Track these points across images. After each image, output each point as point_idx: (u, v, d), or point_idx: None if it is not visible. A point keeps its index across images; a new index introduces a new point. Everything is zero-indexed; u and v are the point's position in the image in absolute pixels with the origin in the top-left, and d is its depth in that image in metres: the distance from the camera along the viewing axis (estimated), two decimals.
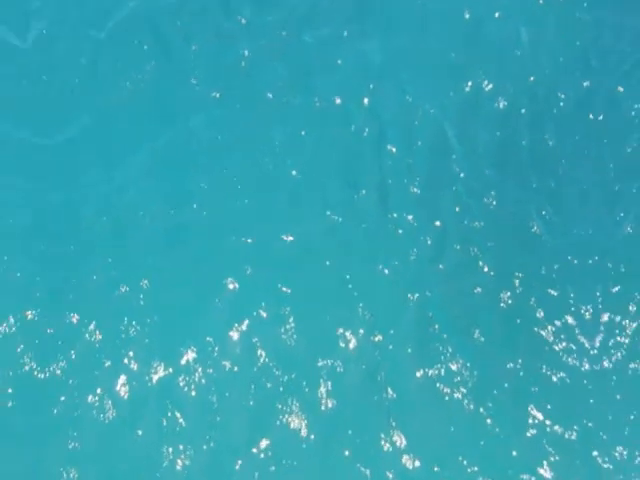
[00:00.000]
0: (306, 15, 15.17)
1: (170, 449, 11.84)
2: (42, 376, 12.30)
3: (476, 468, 11.72)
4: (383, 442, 11.91)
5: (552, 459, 11.88)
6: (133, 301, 13.00)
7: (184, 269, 13.35)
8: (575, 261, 13.64)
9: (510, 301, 13.25)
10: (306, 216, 13.81)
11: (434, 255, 13.62)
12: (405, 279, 13.34)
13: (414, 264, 13.47)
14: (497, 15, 15.47)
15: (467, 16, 15.39)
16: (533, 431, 12.17)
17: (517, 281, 13.42)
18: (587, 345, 12.90)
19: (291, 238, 13.56)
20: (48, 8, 15.29)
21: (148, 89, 14.68)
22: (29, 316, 12.73)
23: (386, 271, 13.34)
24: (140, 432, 12.03)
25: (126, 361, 12.55)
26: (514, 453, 11.91)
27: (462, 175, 14.28)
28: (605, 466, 11.84)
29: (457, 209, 13.99)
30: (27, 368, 12.35)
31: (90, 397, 12.20)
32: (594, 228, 13.98)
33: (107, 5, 15.22)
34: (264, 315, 12.83)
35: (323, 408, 12.12)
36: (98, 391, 12.27)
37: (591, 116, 14.91)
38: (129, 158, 14.19)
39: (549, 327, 13.07)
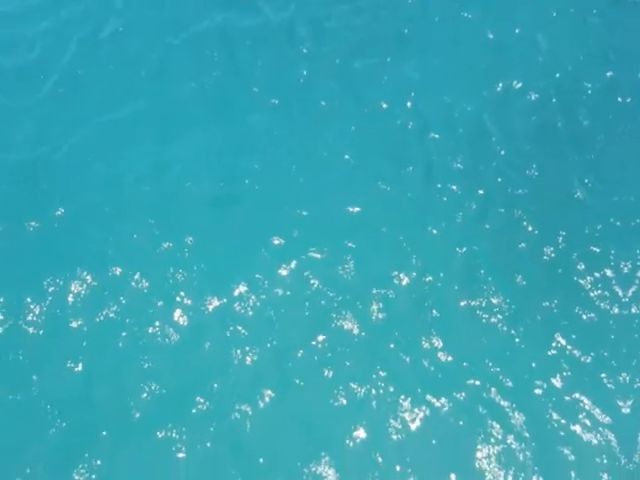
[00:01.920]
0: (355, 46, 17.15)
1: (238, 351, 12.97)
2: (98, 320, 13.32)
3: (498, 369, 13.01)
4: (423, 342, 13.18)
5: (565, 374, 13.07)
6: (178, 254, 14.07)
7: (231, 230, 14.47)
8: (617, 223, 14.77)
9: (553, 255, 14.37)
10: (359, 189, 15.07)
11: (479, 217, 14.85)
12: (453, 237, 14.52)
13: (460, 225, 14.71)
14: (517, 31, 17.48)
15: (490, 36, 17.42)
16: (554, 352, 13.32)
17: (560, 238, 14.54)
18: (620, 294, 13.94)
19: (351, 209, 14.76)
20: (130, 14, 17.51)
21: (211, 91, 16.42)
22: (78, 272, 13.77)
23: (435, 231, 14.53)
24: (207, 345, 13.10)
25: (178, 299, 13.58)
26: (533, 364, 13.14)
27: (502, 153, 15.66)
28: (609, 386, 13.03)
29: (499, 180, 15.29)
30: (81, 317, 13.37)
31: (150, 329, 13.24)
32: (635, 195, 15.26)
33: (185, 19, 17.39)
34: (318, 257, 14.00)
35: (374, 318, 13.38)
36: (157, 324, 13.30)
37: (619, 99, 16.51)
38: (181, 141, 15.63)
39: (588, 277, 14.11)
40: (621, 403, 12.99)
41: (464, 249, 14.52)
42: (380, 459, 12.21)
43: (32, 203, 14.79)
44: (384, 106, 16.40)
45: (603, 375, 13.30)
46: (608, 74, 17.05)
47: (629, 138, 16.16)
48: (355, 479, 12.09)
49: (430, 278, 14.09)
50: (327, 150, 15.69)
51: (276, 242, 14.34)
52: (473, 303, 13.90)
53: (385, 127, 16.12)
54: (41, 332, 13.26)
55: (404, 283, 13.99)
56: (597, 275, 14.34)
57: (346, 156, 15.62)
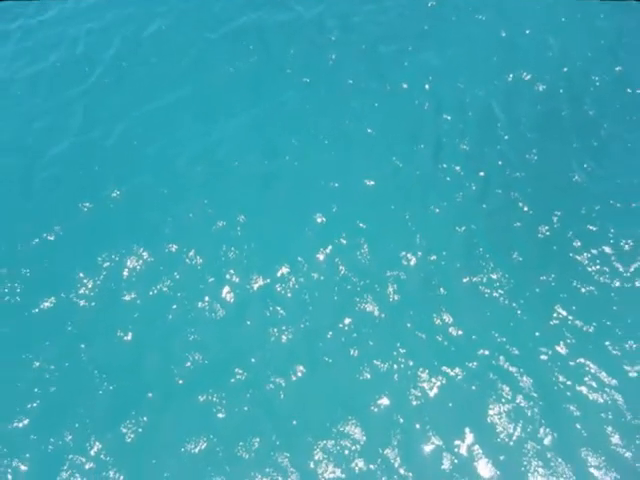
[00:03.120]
0: (380, 36, 18.53)
1: (275, 329, 13.95)
2: (151, 293, 14.44)
3: (505, 339, 13.93)
4: (435, 319, 14.24)
5: (568, 341, 13.86)
6: (231, 232, 15.11)
7: (277, 207, 15.54)
8: (617, 204, 15.57)
9: (548, 233, 15.15)
10: (377, 163, 16.30)
11: (478, 198, 15.70)
12: (453, 216, 15.44)
13: (460, 205, 15.64)
14: (527, 32, 18.53)
15: (503, 34, 18.45)
16: (556, 322, 14.02)
17: (555, 218, 15.34)
18: (621, 269, 14.70)
19: (368, 182, 16.00)
20: (171, 16, 18.99)
21: (248, 74, 17.68)
22: (134, 249, 15.07)
23: (437, 210, 15.51)
24: (249, 322, 14.09)
25: (228, 277, 14.51)
26: (537, 334, 13.99)
27: (506, 137, 16.54)
28: (614, 352, 13.75)
29: (500, 163, 16.14)
30: (134, 290, 14.61)
31: (200, 303, 14.24)
32: (638, 178, 16.00)
33: (222, 18, 18.86)
34: (344, 242, 15.08)
35: (391, 300, 14.31)
36: (206, 299, 14.27)
37: (629, 90, 17.35)
38: (224, 122, 16.89)
39: (585, 253, 14.86)
40: (628, 368, 13.56)
41: (463, 228, 15.40)
42: (402, 420, 13.08)
43: (87, 186, 16.04)
44: (404, 86, 17.73)
45: (608, 343, 13.85)
46: (617, 68, 17.86)
47: (636, 127, 16.90)
48: (379, 437, 13.00)
49: (434, 257, 14.99)
50: (353, 123, 17.10)
51: (317, 220, 15.65)
52: (475, 279, 14.73)
53: (404, 105, 17.46)
54: (93, 304, 14.40)
55: (412, 263, 14.91)
56: (595, 251, 15.02)
57: (369, 130, 16.96)
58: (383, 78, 17.79)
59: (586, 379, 13.58)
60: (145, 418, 13.11)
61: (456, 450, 12.86)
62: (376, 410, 13.22)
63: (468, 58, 18.19)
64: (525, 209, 15.71)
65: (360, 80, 17.75)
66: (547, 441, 13.00)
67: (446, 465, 12.73)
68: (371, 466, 12.72)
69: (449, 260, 15.02)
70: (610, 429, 13.07)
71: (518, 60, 18.11)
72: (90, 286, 14.55)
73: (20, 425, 13.10)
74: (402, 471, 12.64)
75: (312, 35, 18.52)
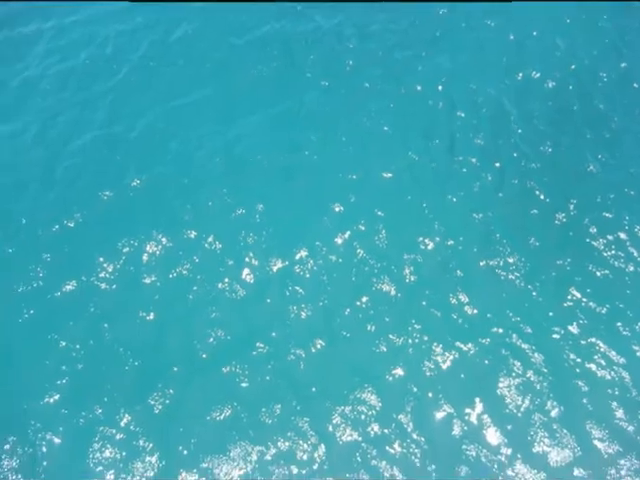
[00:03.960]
0: (395, 43, 19.55)
1: (294, 307, 14.55)
2: (171, 276, 15.14)
3: (519, 318, 14.52)
4: (451, 299, 14.83)
5: (581, 322, 14.48)
6: (250, 219, 15.76)
7: (296, 197, 16.22)
8: (632, 192, 16.37)
9: (564, 220, 15.80)
10: (393, 158, 17.13)
11: (494, 187, 16.34)
12: (470, 204, 16.06)
13: (477, 194, 16.30)
14: (535, 34, 19.56)
15: (511, 37, 19.50)
16: (570, 303, 14.67)
17: (572, 206, 15.97)
18: (635, 254, 15.35)
19: (385, 175, 16.75)
20: (198, 21, 20.15)
21: (270, 77, 18.61)
22: (153, 235, 15.80)
23: (454, 199, 16.15)
24: (269, 300, 14.70)
25: (247, 260, 15.07)
26: (550, 314, 14.60)
27: (520, 131, 17.29)
28: (624, 333, 14.39)
29: (515, 154, 16.88)
30: (154, 273, 15.35)
31: (220, 284, 14.82)
32: None
33: (247, 26, 19.97)
34: (362, 229, 15.72)
35: (407, 280, 14.95)
36: (226, 280, 14.83)
37: (635, 85, 18.35)
38: (246, 119, 17.73)
39: (600, 239, 15.51)
40: (636, 347, 14.16)
41: (480, 215, 16.01)
42: (415, 389, 13.66)
43: (108, 175, 16.85)
44: (418, 88, 18.56)
45: (619, 324, 14.48)
46: (622, 65, 18.83)
47: None
48: (394, 404, 13.65)
49: (452, 242, 15.56)
50: (369, 122, 17.93)
51: (335, 209, 16.33)
52: (492, 263, 15.31)
53: (419, 105, 18.28)
54: (114, 287, 14.99)
55: (430, 248, 15.48)
56: (610, 237, 15.63)
57: (385, 128, 17.74)
58: (398, 81, 18.65)
59: (595, 357, 14.12)
60: (171, 390, 13.67)
61: (466, 418, 13.42)
62: (391, 379, 13.77)
63: (479, 61, 19.11)
64: (542, 197, 16.36)
65: (376, 83, 18.67)
66: (554, 413, 13.58)
67: (456, 431, 13.26)
68: (385, 430, 13.26)
69: (466, 245, 15.61)
70: (615, 404, 13.68)
71: (527, 60, 19.10)
72: (110, 270, 15.18)
73: (51, 401, 13.65)
74: (415, 435, 13.18)
75: (331, 43, 19.55)
